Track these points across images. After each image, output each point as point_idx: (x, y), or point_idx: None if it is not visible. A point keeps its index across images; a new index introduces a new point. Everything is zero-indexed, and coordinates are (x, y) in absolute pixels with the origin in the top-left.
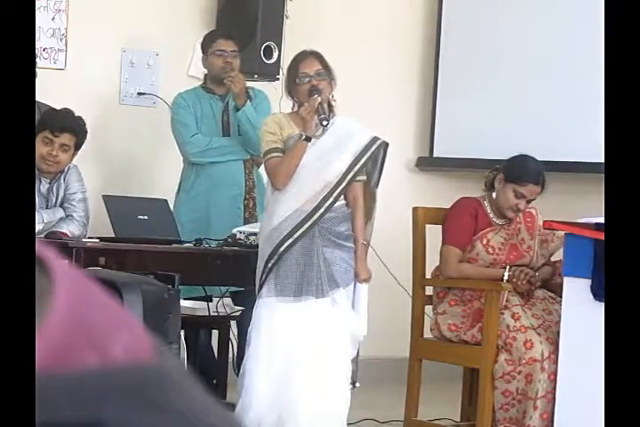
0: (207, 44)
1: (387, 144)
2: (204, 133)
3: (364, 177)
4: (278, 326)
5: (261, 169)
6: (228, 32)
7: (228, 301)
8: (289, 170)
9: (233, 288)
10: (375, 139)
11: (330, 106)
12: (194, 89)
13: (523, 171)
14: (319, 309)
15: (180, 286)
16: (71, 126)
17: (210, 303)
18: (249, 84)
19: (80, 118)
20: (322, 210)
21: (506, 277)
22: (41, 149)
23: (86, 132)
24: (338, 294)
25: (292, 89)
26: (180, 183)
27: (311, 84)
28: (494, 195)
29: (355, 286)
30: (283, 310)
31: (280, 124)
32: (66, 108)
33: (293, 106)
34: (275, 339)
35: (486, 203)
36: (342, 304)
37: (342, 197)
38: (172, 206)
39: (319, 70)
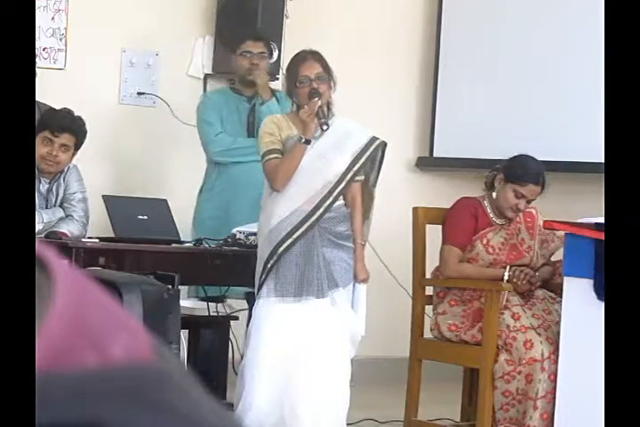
0: (236, 44)
1: (385, 144)
2: (228, 133)
3: (363, 177)
4: (278, 326)
5: None
6: (261, 33)
7: (228, 301)
8: (288, 172)
9: (248, 289)
10: (374, 139)
11: (329, 107)
12: (222, 89)
13: (523, 171)
14: (319, 309)
15: (205, 287)
16: (71, 126)
17: (210, 303)
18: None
19: (80, 118)
20: (321, 210)
21: (506, 277)
22: (41, 149)
23: (86, 132)
24: (337, 293)
25: (292, 91)
26: (203, 182)
27: (311, 86)
28: (494, 195)
29: (353, 286)
30: (283, 311)
31: (279, 124)
32: (65, 108)
33: (292, 107)
34: (275, 339)
35: (486, 203)
36: (342, 304)
37: (341, 196)
38: (192, 208)
39: (319, 73)
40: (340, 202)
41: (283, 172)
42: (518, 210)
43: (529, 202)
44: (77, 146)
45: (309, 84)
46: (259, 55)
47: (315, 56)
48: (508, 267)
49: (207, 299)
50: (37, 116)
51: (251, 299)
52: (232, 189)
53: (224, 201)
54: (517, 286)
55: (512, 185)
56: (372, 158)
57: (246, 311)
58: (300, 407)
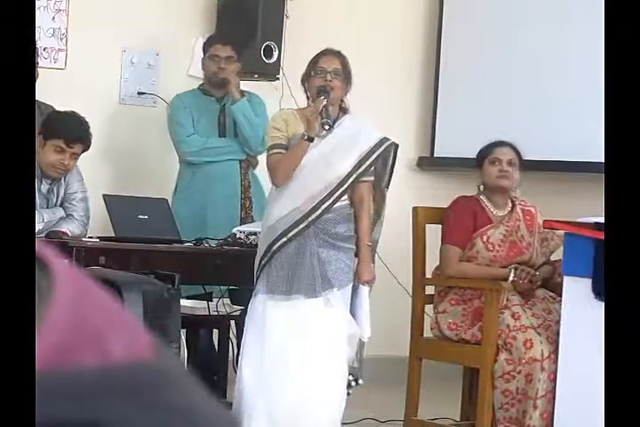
0: (206, 47)
1: (397, 145)
2: (200, 134)
3: (371, 178)
4: (269, 323)
5: (257, 170)
6: (229, 37)
7: (228, 300)
8: (288, 168)
9: (231, 287)
10: (384, 140)
11: (341, 106)
12: (192, 91)
13: (486, 146)
14: (310, 308)
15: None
16: (85, 137)
17: (210, 303)
18: (247, 85)
19: (87, 124)
20: (319, 211)
21: (511, 278)
22: (51, 156)
23: (92, 136)
24: (332, 294)
25: (305, 80)
26: (177, 183)
27: (325, 79)
28: (482, 187)
29: (357, 288)
30: (273, 309)
31: (287, 120)
32: (74, 113)
33: (308, 98)
34: (265, 337)
35: (483, 197)
36: (336, 305)
37: (345, 197)
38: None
39: (337, 69)
40: (343, 203)
41: (283, 167)
42: (504, 174)
43: (510, 165)
44: (83, 151)
45: (323, 77)
46: (226, 60)
47: (337, 54)
48: (513, 269)
49: (193, 297)
50: (38, 117)
51: (234, 296)
52: (207, 189)
53: (200, 200)
54: (518, 285)
55: (486, 161)
56: (383, 159)
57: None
58: (291, 406)
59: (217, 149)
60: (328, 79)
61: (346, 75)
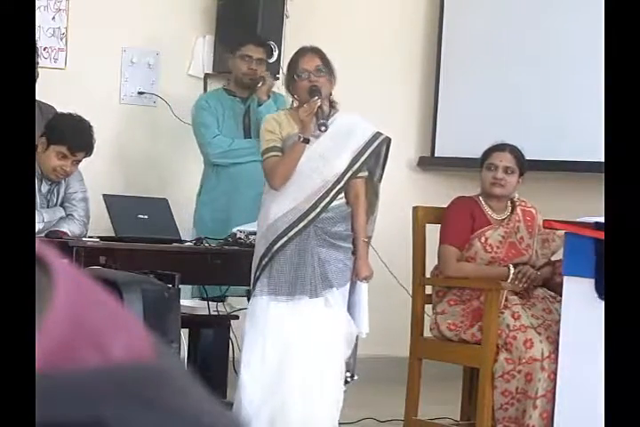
0: (236, 45)
1: (389, 139)
2: (225, 135)
3: (366, 173)
4: (271, 325)
5: None
6: (263, 38)
7: (228, 300)
8: (286, 171)
9: (248, 287)
10: (377, 135)
11: (331, 103)
12: (216, 91)
13: (487, 150)
14: (312, 309)
15: (205, 287)
16: (90, 145)
17: (210, 303)
18: None
19: (92, 130)
20: (318, 209)
21: (511, 277)
22: (54, 161)
23: (95, 141)
24: (331, 294)
25: (291, 85)
26: (202, 184)
27: (310, 80)
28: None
29: (355, 285)
30: (275, 310)
31: (280, 122)
32: (80, 119)
33: (292, 103)
34: (267, 338)
35: (482, 198)
36: (336, 305)
37: (342, 195)
38: (193, 207)
39: (319, 66)
40: (340, 201)
41: (281, 170)
42: (499, 182)
43: (507, 172)
44: (85, 157)
45: (308, 78)
46: (257, 61)
47: (315, 51)
48: (511, 268)
49: (208, 299)
50: (38, 117)
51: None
52: (233, 190)
53: (225, 202)
54: (515, 286)
55: (485, 165)
56: (376, 154)
57: (247, 310)
58: (290, 409)
59: (242, 150)
60: (313, 80)
61: (329, 69)
